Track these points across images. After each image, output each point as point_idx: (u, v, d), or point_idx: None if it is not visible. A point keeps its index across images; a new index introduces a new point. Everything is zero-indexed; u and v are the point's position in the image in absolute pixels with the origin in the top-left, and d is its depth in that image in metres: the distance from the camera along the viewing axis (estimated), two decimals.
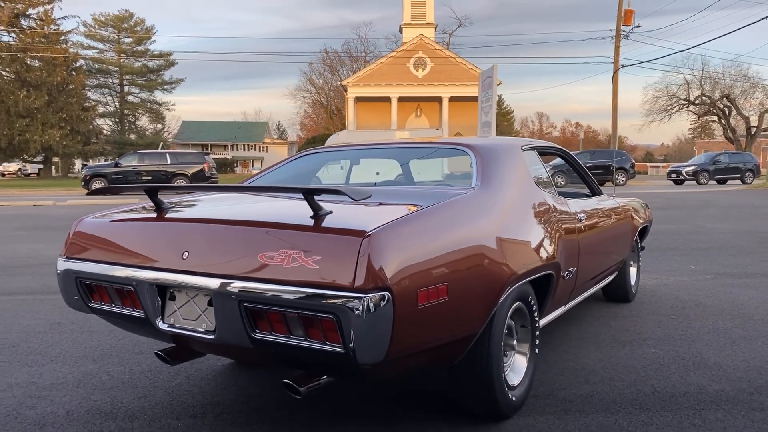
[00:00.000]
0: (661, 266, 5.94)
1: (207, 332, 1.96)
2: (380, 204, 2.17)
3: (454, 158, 2.74)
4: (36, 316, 4.13)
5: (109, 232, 2.28)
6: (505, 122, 72.12)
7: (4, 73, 31.94)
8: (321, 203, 1.99)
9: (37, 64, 33.18)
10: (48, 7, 33.73)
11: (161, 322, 2.09)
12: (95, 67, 54.19)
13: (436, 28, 34.28)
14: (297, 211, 2.05)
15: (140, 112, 60.21)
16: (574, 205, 3.14)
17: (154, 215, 2.25)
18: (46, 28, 33.81)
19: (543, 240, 2.55)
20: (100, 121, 53.90)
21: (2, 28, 32.00)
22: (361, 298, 1.63)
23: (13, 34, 32.93)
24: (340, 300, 1.65)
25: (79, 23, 41.34)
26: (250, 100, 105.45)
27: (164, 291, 2.08)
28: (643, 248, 5.02)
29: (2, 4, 32.07)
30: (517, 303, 2.45)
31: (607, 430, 2.31)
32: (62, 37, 36.49)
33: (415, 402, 2.62)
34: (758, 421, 2.39)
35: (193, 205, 2.54)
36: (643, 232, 4.74)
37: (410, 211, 1.95)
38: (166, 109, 60.18)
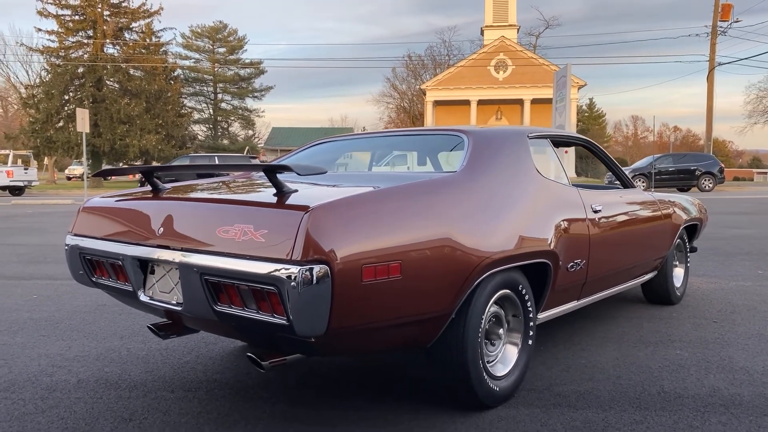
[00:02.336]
0: (725, 270, 5.55)
1: (177, 304, 2.05)
2: (347, 185, 2.18)
3: (454, 144, 2.70)
4: (87, 298, 4.43)
5: (108, 212, 2.43)
6: (596, 126, 69.55)
7: (108, 82, 34.37)
8: (294, 183, 2.03)
9: (137, 74, 35.49)
10: (148, 20, 36.01)
11: (143, 294, 2.20)
12: (192, 76, 57.28)
13: (519, 29, 33.63)
14: (263, 189, 2.10)
15: (232, 118, 62.96)
16: (590, 197, 3.00)
17: (145, 195, 2.38)
18: (147, 40, 36.17)
19: (535, 228, 2.47)
20: (195, 127, 56.90)
21: (108, 41, 34.47)
22: (298, 270, 1.66)
23: (117, 47, 35.43)
24: (279, 272, 1.69)
25: (176, 35, 43.76)
26: (338, 107, 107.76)
27: (146, 265, 2.19)
28: (694, 249, 4.71)
29: (108, 19, 34.56)
30: (505, 291, 2.39)
31: (592, 426, 2.21)
32: (162, 49, 38.86)
33: (393, 388, 2.60)
34: (765, 426, 2.20)
35: (182, 186, 2.65)
36: (693, 232, 4.45)
37: (365, 191, 1.96)
38: (256, 115, 62.61)
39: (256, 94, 61.04)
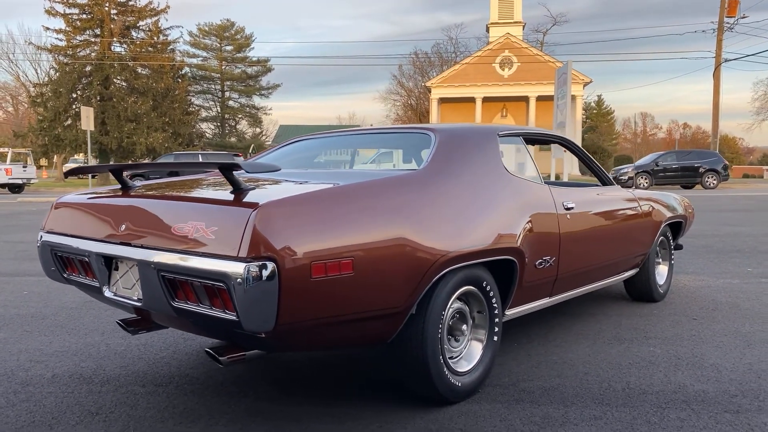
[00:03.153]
0: (715, 268, 5.53)
1: (138, 300, 2.09)
2: (304, 183, 2.21)
3: (422, 143, 2.72)
4: (75, 295, 4.49)
5: (78, 209, 2.47)
6: (605, 123, 69.18)
7: (116, 81, 34.57)
8: (254, 182, 2.06)
9: (144, 72, 35.67)
10: (155, 18, 36.17)
11: (108, 290, 2.25)
12: (199, 74, 57.52)
13: (524, 26, 33.50)
14: (225, 187, 2.13)
15: (240, 116, 63.12)
16: (562, 195, 3.02)
17: (115, 194, 2.42)
18: (155, 38, 36.34)
19: (498, 225, 2.48)
20: (203, 125, 57.17)
21: (115, 39, 34.66)
22: (244, 266, 1.69)
23: (124, 45, 35.62)
24: (227, 268, 1.72)
25: (182, 33, 43.96)
26: (346, 104, 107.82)
27: (110, 262, 2.23)
28: (680, 247, 4.71)
29: (115, 18, 34.75)
30: (468, 287, 2.41)
31: (551, 421, 2.23)
32: (169, 47, 39.03)
33: (359, 383, 2.63)
34: (724, 422, 2.21)
35: (152, 184, 2.68)
36: (677, 230, 4.45)
37: (318, 189, 1.98)
38: (263, 113, 62.78)
39: (263, 92, 61.18)
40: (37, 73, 44.76)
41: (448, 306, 2.32)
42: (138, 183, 2.59)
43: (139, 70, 35.94)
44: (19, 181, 22.04)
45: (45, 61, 41.66)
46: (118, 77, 34.89)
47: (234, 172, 1.98)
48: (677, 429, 2.16)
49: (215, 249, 1.78)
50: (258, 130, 65.24)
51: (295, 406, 2.39)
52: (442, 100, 33.36)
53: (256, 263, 1.70)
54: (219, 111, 61.42)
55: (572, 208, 3.03)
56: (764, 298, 4.29)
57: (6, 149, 24.53)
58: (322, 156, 3.11)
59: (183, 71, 44.08)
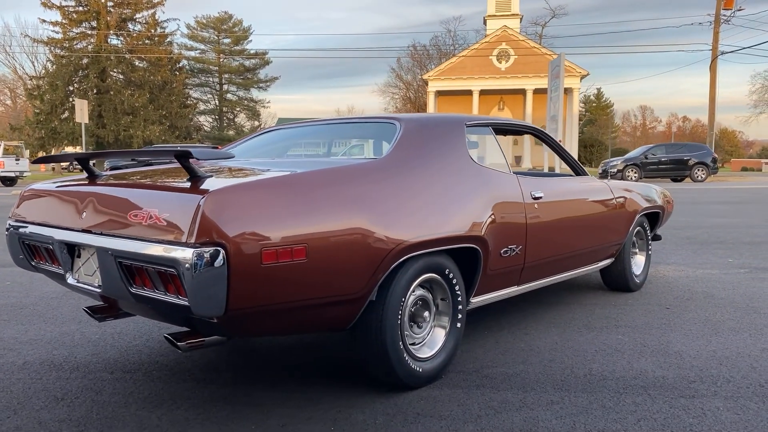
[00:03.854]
0: (696, 259, 5.57)
1: (99, 287, 2.12)
2: (262, 171, 2.23)
3: (388, 132, 2.74)
4: (57, 285, 4.52)
5: (45, 197, 2.49)
6: (604, 116, 69.08)
7: (112, 73, 34.58)
8: (214, 170, 2.08)
9: (141, 65, 35.65)
10: (152, 11, 36.16)
11: (71, 277, 2.28)
12: (197, 66, 57.38)
13: (522, 19, 33.42)
14: (180, 175, 2.16)
15: (238, 109, 63.02)
16: (531, 184, 3.05)
17: (80, 182, 2.44)
18: (152, 31, 36.27)
19: (461, 214, 2.51)
20: (201, 118, 57.15)
21: (111, 32, 34.65)
22: (192, 252, 1.72)
23: (120, 38, 35.61)
24: (177, 254, 1.75)
25: (179, 26, 43.96)
26: (344, 97, 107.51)
27: (73, 249, 2.26)
28: (658, 237, 4.75)
29: (111, 10, 34.72)
30: (430, 275, 2.44)
31: (509, 406, 2.26)
32: (167, 39, 38.97)
33: (323, 368, 2.67)
34: (678, 407, 2.25)
35: (118, 173, 2.70)
36: (655, 220, 4.48)
37: (272, 176, 2.01)
38: (261, 106, 62.68)
39: (261, 84, 61.05)
40: (34, 65, 44.68)
41: (409, 293, 2.36)
42: (106, 173, 2.61)
43: (137, 62, 35.89)
44: (12, 174, 22.04)
45: (42, 54, 41.53)
46: (115, 70, 34.89)
47: (191, 160, 2.00)
48: (631, 413, 2.20)
49: (167, 235, 1.81)
50: (256, 123, 65.14)
51: (259, 391, 2.43)
52: (439, 93, 33.32)
53: (205, 249, 1.72)
54: (217, 104, 61.30)
55: (540, 197, 3.06)
56: (740, 288, 4.32)
57: None
58: (294, 145, 3.14)
59: (180, 64, 44.02)
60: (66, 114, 33.35)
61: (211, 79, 60.23)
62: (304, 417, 2.18)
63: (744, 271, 4.97)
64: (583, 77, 32.24)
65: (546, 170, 16.26)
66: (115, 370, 2.69)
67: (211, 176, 2.06)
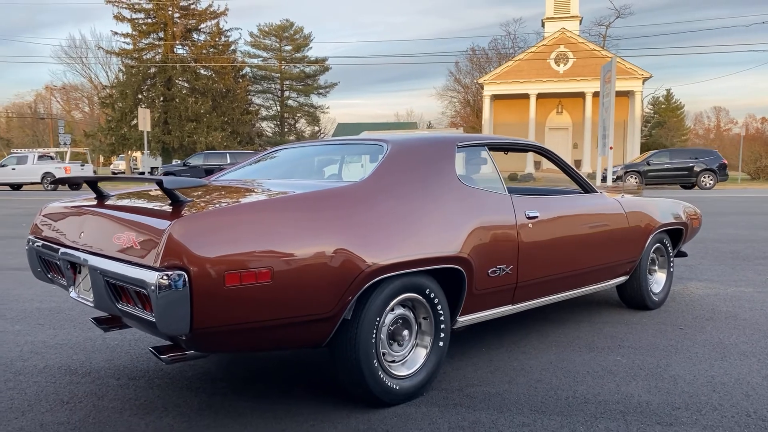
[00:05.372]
0: (733, 275, 5.36)
1: (92, 302, 2.31)
2: (238, 196, 2.36)
3: (375, 153, 2.83)
4: None
5: (57, 216, 2.71)
6: (674, 118, 66.52)
7: (178, 82, 36.04)
8: (197, 196, 2.23)
9: (205, 73, 36.97)
10: (215, 21, 37.50)
11: (73, 291, 2.48)
12: (260, 74, 59.01)
13: (581, 21, 32.67)
14: (161, 200, 2.32)
15: (299, 115, 64.34)
16: (526, 203, 3.06)
17: (89, 203, 2.65)
18: (216, 40, 37.62)
19: (441, 236, 2.56)
20: (263, 124, 58.72)
21: (177, 42, 36.13)
22: (157, 275, 1.86)
23: (186, 47, 37.08)
24: (145, 276, 1.90)
25: (241, 35, 45.15)
26: (404, 101, 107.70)
27: (75, 266, 2.46)
28: (683, 254, 4.62)
29: (177, 21, 36.22)
30: (410, 294, 2.51)
31: (478, 427, 2.30)
32: (231, 48, 40.30)
33: (308, 383, 2.77)
34: None
35: (122, 193, 2.90)
36: (677, 237, 4.36)
37: (238, 204, 2.14)
38: (321, 112, 63.78)
39: (320, 90, 62.13)
40: (107, 75, 47.11)
41: (386, 312, 2.43)
42: (114, 193, 2.82)
43: (201, 71, 37.25)
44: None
45: (114, 65, 43.74)
46: (180, 78, 36.28)
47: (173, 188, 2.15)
48: None
49: (140, 258, 1.97)
50: (316, 128, 66.28)
51: (244, 401, 2.56)
52: (496, 97, 33.01)
53: (168, 272, 1.86)
54: (278, 110, 62.80)
55: (536, 216, 3.07)
56: None
57: (66, 148, 26.14)
58: (290, 167, 3.27)
59: (243, 71, 45.37)
60: (135, 121, 34.94)
61: (273, 85, 61.78)
62: (279, 428, 2.29)
63: None
64: (645, 79, 31.18)
65: (584, 177, 15.82)
66: (122, 376, 2.89)
67: (190, 201, 2.21)
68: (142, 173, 31.39)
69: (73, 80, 69.11)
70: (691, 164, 20.56)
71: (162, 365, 3.05)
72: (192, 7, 37.17)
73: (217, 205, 2.12)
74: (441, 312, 2.63)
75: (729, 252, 6.67)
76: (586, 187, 3.67)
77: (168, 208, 2.12)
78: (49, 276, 2.79)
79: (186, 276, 1.88)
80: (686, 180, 20.19)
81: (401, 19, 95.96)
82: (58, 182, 2.80)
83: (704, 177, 20.41)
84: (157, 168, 32.43)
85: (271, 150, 3.46)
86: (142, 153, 37.31)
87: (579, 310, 4.13)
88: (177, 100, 35.04)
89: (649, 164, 20.10)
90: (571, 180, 3.69)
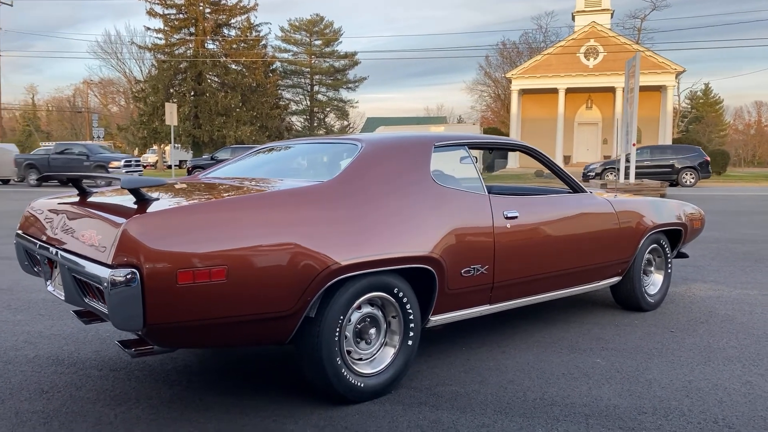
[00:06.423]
0: (742, 277, 5.23)
1: (63, 296, 2.39)
2: (200, 196, 2.41)
3: (349, 152, 2.85)
4: None
5: (40, 213, 2.80)
6: (712, 113, 64.87)
7: (208, 77, 36.55)
8: (166, 196, 2.29)
9: (236, 68, 37.40)
10: (245, 16, 37.90)
11: (50, 285, 2.57)
12: (290, 68, 59.44)
13: (613, 14, 31.97)
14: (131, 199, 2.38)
15: (328, 109, 64.63)
16: (504, 204, 3.04)
17: (71, 201, 2.73)
18: (247, 34, 38.04)
19: (409, 235, 2.57)
20: (293, 118, 59.19)
21: (208, 37, 36.61)
22: (109, 273, 1.92)
23: (216, 43, 37.56)
24: (100, 273, 1.96)
25: (270, 29, 45.59)
26: (434, 96, 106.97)
27: (51, 261, 2.55)
28: (684, 255, 4.53)
29: (208, 16, 36.69)
30: (376, 293, 2.53)
31: (438, 426, 2.32)
32: (261, 43, 40.69)
33: (280, 379, 2.81)
34: None
35: (103, 191, 2.97)
36: (676, 237, 4.28)
37: (194, 203, 2.18)
38: (350, 106, 63.96)
39: (350, 85, 62.30)
40: (141, 70, 48.02)
41: (350, 311, 2.46)
42: (95, 189, 2.90)
43: (232, 66, 37.69)
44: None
45: (147, 60, 44.53)
46: (210, 73, 36.78)
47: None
48: None
49: (98, 256, 2.03)
50: (345, 122, 66.47)
51: (213, 396, 2.62)
52: (524, 92, 32.59)
53: (121, 270, 1.92)
54: (308, 104, 63.17)
55: (515, 217, 3.05)
56: None
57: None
58: (269, 166, 3.31)
59: (274, 66, 45.75)
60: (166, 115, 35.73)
61: (302, 80, 62.17)
62: (241, 423, 2.34)
63: None
64: (678, 74, 30.42)
65: (613, 165, 15.37)
66: (104, 367, 2.98)
67: (157, 200, 2.26)
68: (170, 166, 31.97)
69: (109, 75, 70.72)
70: (672, 161, 20.20)
71: (147, 358, 3.13)
72: (222, 2, 37.58)
73: (174, 204, 2.17)
74: (410, 311, 2.64)
75: (742, 253, 6.51)
76: (574, 187, 3.63)
77: (131, 207, 2.18)
78: (35, 269, 2.89)
79: (138, 273, 1.93)
80: (667, 177, 19.70)
81: (434, 13, 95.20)
82: (43, 179, 2.89)
83: (685, 174, 20.05)
84: (186, 161, 32.98)
85: (259, 148, 3.51)
86: (166, 147, 38.03)
87: (571, 310, 4.10)
88: (207, 94, 35.52)
89: (628, 161, 19.66)
90: (559, 178, 3.65)
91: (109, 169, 19.18)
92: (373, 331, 2.60)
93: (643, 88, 27.91)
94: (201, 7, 36.56)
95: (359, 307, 2.53)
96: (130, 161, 20.52)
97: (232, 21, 38.42)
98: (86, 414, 2.43)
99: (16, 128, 61.24)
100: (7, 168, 21.63)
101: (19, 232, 2.93)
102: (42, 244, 2.53)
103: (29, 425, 2.33)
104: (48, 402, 2.55)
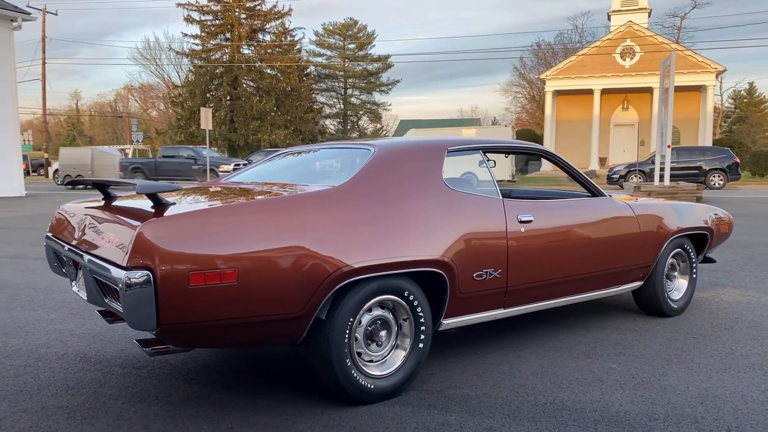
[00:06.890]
0: None
1: (86, 296, 2.49)
2: (215, 200, 2.48)
3: (362, 157, 2.89)
4: None
5: (68, 216, 2.93)
6: (757, 113, 63.01)
7: (243, 81, 37.18)
8: (182, 201, 2.38)
9: (270, 73, 37.97)
10: (279, 21, 38.44)
11: (75, 286, 2.68)
12: (324, 72, 59.96)
13: (650, 13, 31.34)
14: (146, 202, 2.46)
15: (361, 112, 64.94)
16: (519, 208, 3.05)
17: (97, 205, 2.85)
18: (281, 39, 38.58)
19: (420, 240, 2.61)
20: (327, 122, 59.69)
21: (243, 42, 37.26)
22: (124, 274, 2.01)
23: (251, 48, 38.20)
24: (117, 275, 2.05)
25: (305, 34, 46.16)
26: (468, 97, 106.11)
27: (76, 262, 2.66)
28: (710, 260, 4.45)
29: (243, 22, 37.36)
30: (387, 296, 2.57)
31: (446, 428, 2.34)
32: (295, 47, 41.23)
33: (293, 380, 2.87)
34: None
35: (125, 195, 3.07)
36: (701, 242, 4.21)
37: (208, 207, 2.26)
38: (383, 109, 64.13)
39: (383, 88, 62.47)
40: (179, 75, 49.10)
41: (361, 313, 2.50)
42: (120, 194, 3.01)
43: (267, 70, 38.26)
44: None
45: (184, 65, 45.50)
46: (245, 78, 37.38)
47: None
48: None
49: (115, 258, 2.12)
50: (378, 125, 66.65)
51: (229, 395, 2.70)
52: (558, 93, 32.19)
53: (135, 272, 2.01)
54: (342, 108, 63.59)
55: (530, 221, 3.05)
56: None
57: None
58: (285, 171, 3.38)
59: (308, 70, 46.29)
60: None
61: (336, 83, 62.61)
62: (252, 422, 2.41)
63: None
64: (719, 73, 29.61)
65: (655, 168, 15.00)
66: (128, 365, 3.09)
67: (173, 204, 2.35)
68: (205, 171, 32.63)
69: (148, 80, 72.56)
70: (699, 163, 19.57)
71: (165, 356, 3.23)
72: (257, 7, 38.19)
73: (188, 208, 2.25)
74: (421, 314, 2.67)
75: None
76: (593, 191, 3.61)
77: (148, 211, 2.27)
78: (63, 270, 3.02)
79: (151, 275, 2.02)
80: (695, 179, 19.06)
81: (470, 14, 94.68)
82: (73, 183, 3.02)
83: (713, 176, 19.43)
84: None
85: (277, 153, 3.60)
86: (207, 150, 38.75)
87: (591, 315, 4.06)
88: (242, 98, 36.15)
89: (653, 164, 19.12)
90: (577, 182, 3.63)
91: (219, 173, 19.22)
92: (383, 333, 2.64)
93: (683, 88, 27.30)
94: (236, 13, 37.23)
95: (370, 310, 2.57)
96: (239, 164, 20.53)
97: (267, 26, 39.03)
98: (107, 410, 2.53)
99: (61, 133, 63.35)
100: (112, 171, 22.12)
101: (49, 234, 3.06)
102: (68, 246, 2.65)
103: (54, 419, 2.44)
104: (72, 398, 2.66)
